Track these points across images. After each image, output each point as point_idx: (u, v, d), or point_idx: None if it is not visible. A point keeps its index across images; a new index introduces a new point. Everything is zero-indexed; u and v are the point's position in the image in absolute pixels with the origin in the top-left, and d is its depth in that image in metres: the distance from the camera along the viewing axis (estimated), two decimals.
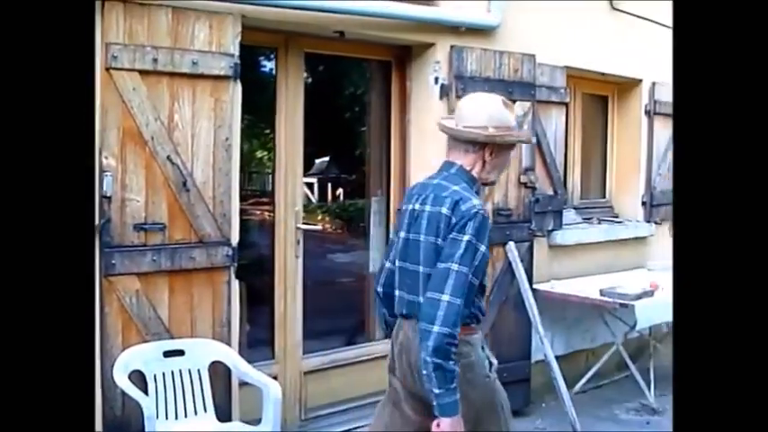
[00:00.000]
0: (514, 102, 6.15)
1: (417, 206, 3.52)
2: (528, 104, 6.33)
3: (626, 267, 7.55)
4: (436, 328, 3.16)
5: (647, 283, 6.64)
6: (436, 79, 5.98)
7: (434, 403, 3.22)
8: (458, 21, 6.01)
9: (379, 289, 3.80)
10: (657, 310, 6.33)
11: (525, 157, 6.38)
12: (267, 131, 5.80)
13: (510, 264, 6.24)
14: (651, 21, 7.95)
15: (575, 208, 7.57)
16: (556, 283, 6.70)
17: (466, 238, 3.27)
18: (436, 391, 3.19)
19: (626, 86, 8.05)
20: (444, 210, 3.36)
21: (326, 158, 6.86)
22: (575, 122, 7.65)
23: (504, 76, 6.20)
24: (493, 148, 3.52)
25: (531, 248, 6.45)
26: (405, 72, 6.20)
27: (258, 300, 5.75)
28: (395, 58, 6.20)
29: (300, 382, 5.78)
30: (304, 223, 5.84)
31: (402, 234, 3.58)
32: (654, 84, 7.98)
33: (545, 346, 6.12)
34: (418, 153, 6.11)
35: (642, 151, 7.98)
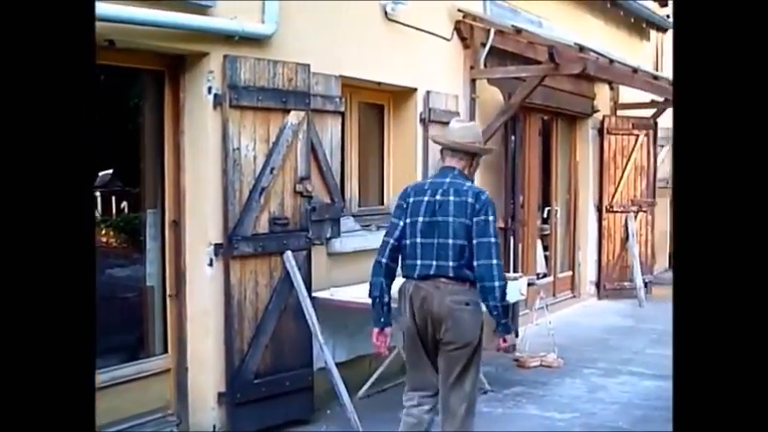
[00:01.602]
0: (289, 111, 6.23)
1: (438, 197, 4.84)
2: (302, 114, 6.36)
3: None
4: (497, 283, 4.64)
5: None
6: (210, 89, 5.93)
7: (499, 329, 4.80)
8: (231, 30, 5.97)
9: (384, 260, 4.97)
10: None
11: (300, 166, 6.41)
12: None
13: (288, 273, 6.25)
14: (424, 31, 8.18)
15: (353, 215, 7.67)
16: (335, 290, 6.76)
17: (491, 218, 4.74)
18: (503, 321, 4.78)
19: (401, 95, 8.24)
20: (470, 199, 4.75)
21: (110, 171, 6.68)
22: (351, 131, 7.75)
23: (278, 86, 6.21)
24: (478, 156, 5.12)
25: (308, 257, 6.49)
26: (179, 82, 6.09)
27: None
28: (168, 67, 6.08)
29: None
30: None
31: (421, 218, 4.83)
32: (428, 92, 8.21)
33: (325, 353, 6.18)
34: (193, 163, 6.04)
35: (418, 158, 8.19)
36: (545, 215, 12.07)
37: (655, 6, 15.49)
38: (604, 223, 12.88)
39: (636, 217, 13.04)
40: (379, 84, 7.75)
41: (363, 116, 8.02)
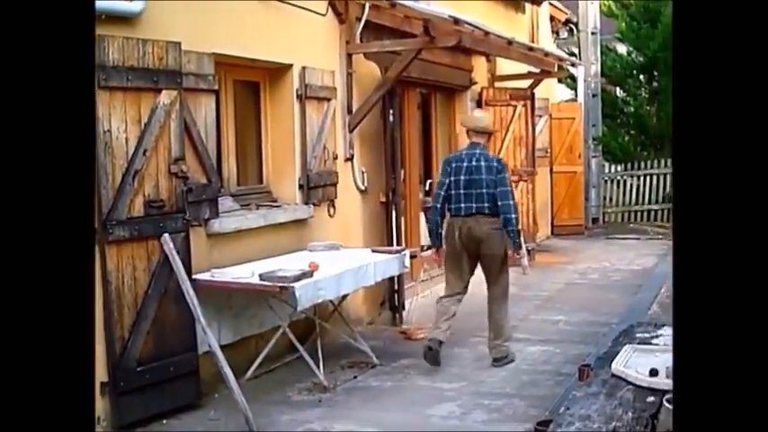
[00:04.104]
0: (160, 90, 6.09)
1: (474, 162, 7.38)
2: (174, 93, 6.22)
3: (287, 250, 7.67)
4: (514, 215, 7.31)
5: (307, 264, 6.76)
6: None
7: (513, 246, 7.53)
8: (97, 8, 5.74)
9: (438, 205, 7.57)
10: (317, 289, 6.47)
11: (175, 147, 6.27)
12: None
13: (167, 256, 6.13)
14: (299, 6, 8.09)
15: (232, 195, 7.56)
16: (216, 271, 6.65)
17: (507, 174, 7.43)
18: (516, 240, 7.48)
19: (277, 72, 8.14)
20: (494, 163, 7.39)
21: None
22: (227, 109, 7.64)
23: (148, 65, 6.04)
24: (492, 135, 8.02)
25: (187, 239, 6.37)
26: None
27: None
28: None
29: None
30: None
31: (463, 177, 7.37)
32: (304, 68, 8.13)
33: (208, 336, 6.08)
34: None
35: (296, 135, 8.12)
36: (427, 188, 12.11)
37: None
38: None
39: (517, 186, 13.20)
40: (253, 61, 7.64)
41: (239, 94, 7.91)
